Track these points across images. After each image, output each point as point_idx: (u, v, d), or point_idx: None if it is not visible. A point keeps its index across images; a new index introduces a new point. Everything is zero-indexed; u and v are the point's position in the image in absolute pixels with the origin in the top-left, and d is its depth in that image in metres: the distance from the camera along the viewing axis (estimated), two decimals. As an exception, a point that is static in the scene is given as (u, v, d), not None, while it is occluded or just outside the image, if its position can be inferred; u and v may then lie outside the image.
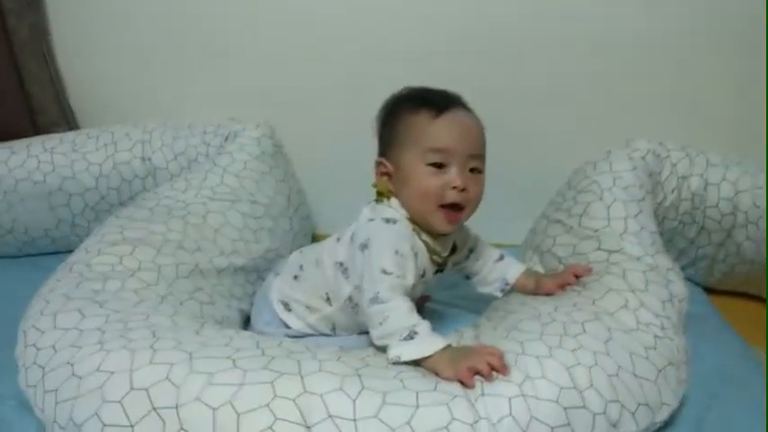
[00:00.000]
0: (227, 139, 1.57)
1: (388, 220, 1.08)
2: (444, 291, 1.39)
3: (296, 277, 1.21)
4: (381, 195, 1.13)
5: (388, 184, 1.13)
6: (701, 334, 1.20)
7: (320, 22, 1.61)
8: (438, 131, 1.07)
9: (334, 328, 1.19)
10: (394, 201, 1.12)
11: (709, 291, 1.52)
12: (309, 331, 1.19)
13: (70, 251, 1.24)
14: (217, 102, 1.72)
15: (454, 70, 1.47)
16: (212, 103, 1.72)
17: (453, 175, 1.06)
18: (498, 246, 1.29)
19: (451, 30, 1.57)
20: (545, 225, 1.39)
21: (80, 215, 1.56)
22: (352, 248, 1.10)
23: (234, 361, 0.87)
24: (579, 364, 0.91)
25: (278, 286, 1.23)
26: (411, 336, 0.94)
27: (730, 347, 1.24)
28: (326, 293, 1.16)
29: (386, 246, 1.03)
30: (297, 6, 1.60)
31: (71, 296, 1.03)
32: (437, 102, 1.09)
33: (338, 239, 1.16)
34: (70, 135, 1.60)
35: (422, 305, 1.32)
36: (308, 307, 1.18)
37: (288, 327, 1.19)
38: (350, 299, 1.12)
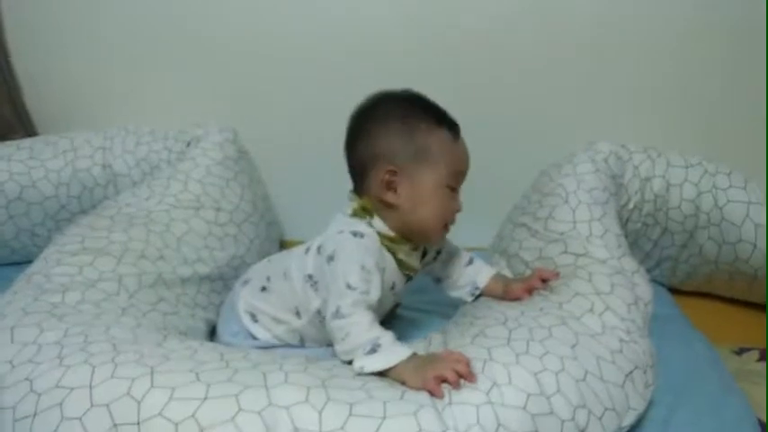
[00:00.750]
0: (189, 144, 1.54)
1: (355, 234, 1.06)
2: (413, 295, 1.38)
3: (264, 288, 1.19)
4: (364, 212, 1.10)
5: (370, 203, 1.10)
6: (667, 335, 1.21)
7: (286, 25, 1.59)
8: (460, 154, 1.11)
9: (302, 341, 1.17)
10: (377, 221, 1.09)
11: (674, 291, 1.53)
12: (277, 343, 1.17)
13: (30, 261, 1.21)
14: (180, 106, 1.70)
15: (421, 77, 1.46)
16: (175, 107, 1.70)
17: (459, 198, 1.11)
18: (466, 249, 1.29)
19: (418, 36, 1.57)
20: (511, 229, 1.40)
21: (40, 225, 1.53)
22: (319, 260, 1.08)
23: (197, 374, 0.85)
24: (546, 369, 0.91)
25: (245, 297, 1.21)
26: (374, 348, 0.93)
27: (695, 348, 1.24)
28: (295, 306, 1.14)
29: (352, 260, 1.02)
30: (262, 9, 1.58)
31: (29, 310, 1.01)
32: (450, 121, 1.11)
33: (306, 251, 1.14)
34: (27, 142, 1.57)
35: (393, 311, 1.32)
36: (275, 319, 1.16)
37: (255, 338, 1.17)
38: (318, 312, 1.10)
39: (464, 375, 0.88)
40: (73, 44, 1.69)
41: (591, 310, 1.06)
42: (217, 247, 1.36)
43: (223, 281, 1.34)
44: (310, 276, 1.11)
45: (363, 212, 1.10)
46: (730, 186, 1.38)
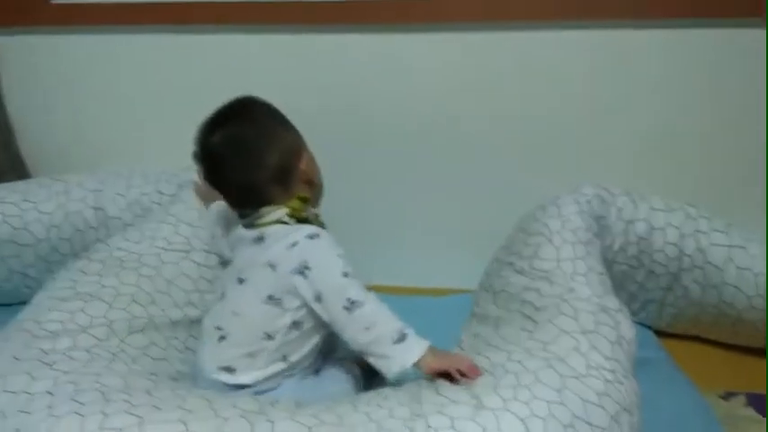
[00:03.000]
0: (181, 186, 1.56)
1: (311, 236, 1.10)
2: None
3: (221, 338, 1.15)
4: (304, 203, 1.16)
5: (303, 194, 1.16)
6: (653, 379, 1.21)
7: (275, 72, 1.63)
8: None
9: (285, 358, 1.14)
10: (311, 210, 1.17)
11: (660, 334, 1.53)
12: (264, 376, 1.13)
13: (23, 302, 1.23)
14: (173, 150, 1.71)
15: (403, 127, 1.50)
16: (170, 151, 1.71)
17: None
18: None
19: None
20: (498, 267, 1.41)
21: (31, 267, 1.53)
22: (279, 277, 1.09)
23: (186, 423, 0.86)
24: (534, 415, 0.91)
25: (210, 358, 1.16)
26: (402, 337, 0.99)
27: (681, 393, 1.26)
28: (263, 332, 1.11)
29: (329, 258, 1.08)
30: (252, 58, 1.63)
31: (20, 357, 1.02)
32: None
33: (240, 282, 1.15)
34: (20, 185, 1.58)
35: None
36: (250, 354, 1.12)
37: (245, 386, 1.13)
38: (293, 324, 1.11)
39: (476, 372, 0.99)
40: (68, 91, 1.73)
41: (576, 349, 1.06)
42: (207, 290, 1.36)
43: (213, 324, 1.35)
44: (270, 297, 1.10)
45: (302, 204, 1.15)
46: (712, 230, 1.40)
